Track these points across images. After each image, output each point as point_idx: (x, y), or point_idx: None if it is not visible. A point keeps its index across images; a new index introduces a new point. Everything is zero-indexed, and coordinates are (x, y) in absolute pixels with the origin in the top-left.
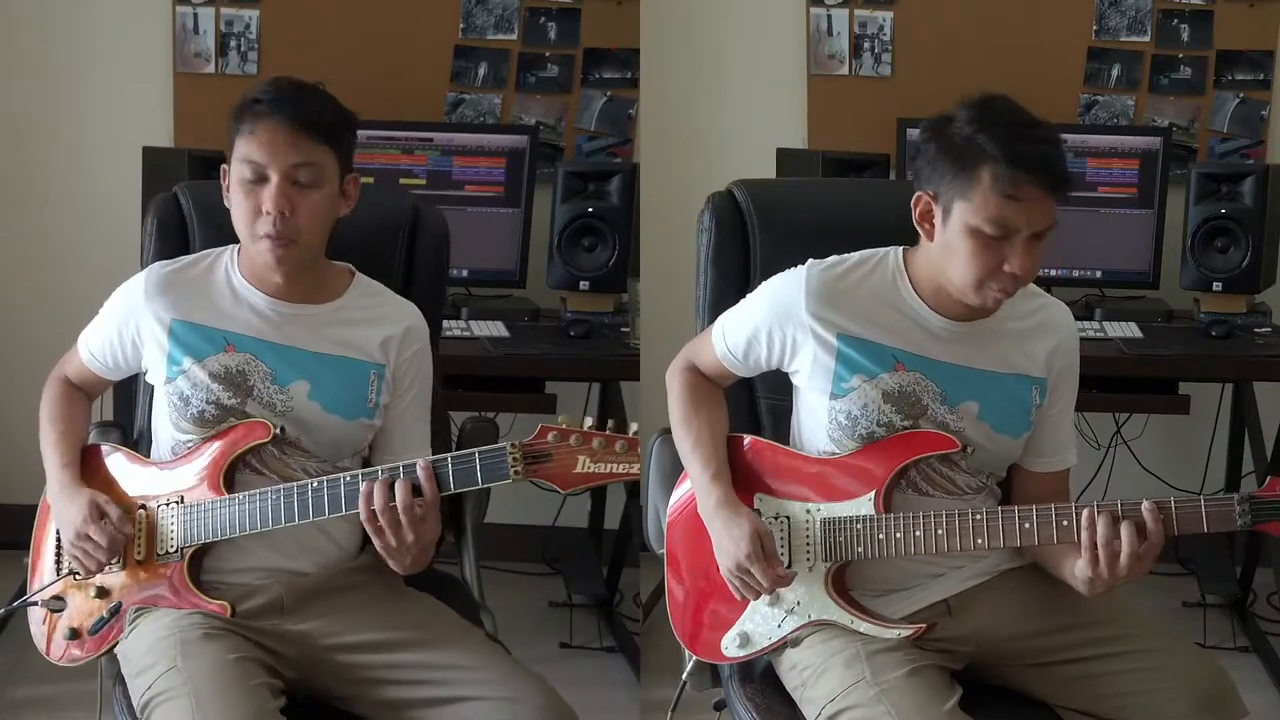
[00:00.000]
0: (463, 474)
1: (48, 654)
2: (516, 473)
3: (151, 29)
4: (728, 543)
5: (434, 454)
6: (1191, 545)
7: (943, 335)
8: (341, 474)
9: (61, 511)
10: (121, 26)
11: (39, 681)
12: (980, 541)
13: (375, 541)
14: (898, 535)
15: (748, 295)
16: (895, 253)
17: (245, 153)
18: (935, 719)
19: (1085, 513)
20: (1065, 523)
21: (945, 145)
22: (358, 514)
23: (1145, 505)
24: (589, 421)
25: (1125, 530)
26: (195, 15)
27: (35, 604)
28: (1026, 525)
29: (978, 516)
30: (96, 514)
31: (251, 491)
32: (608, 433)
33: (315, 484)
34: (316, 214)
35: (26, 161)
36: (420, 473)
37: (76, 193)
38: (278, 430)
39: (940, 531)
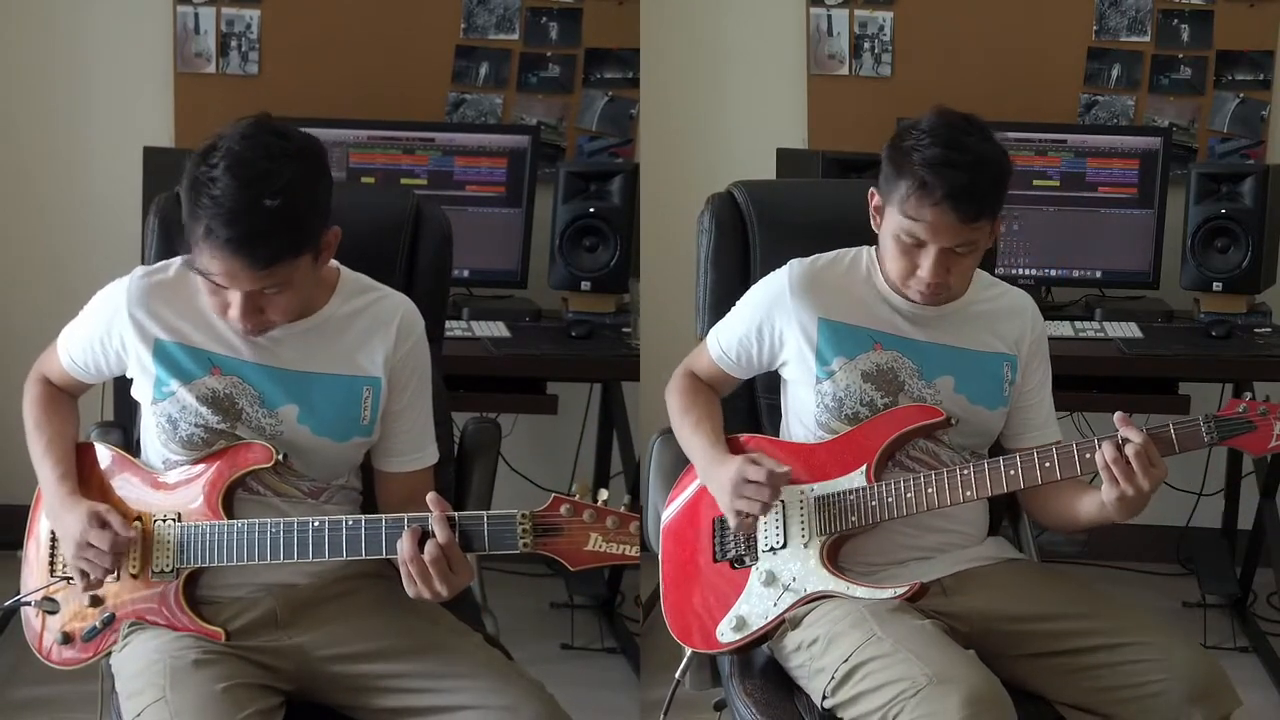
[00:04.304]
0: (469, 536)
1: (39, 652)
2: (525, 545)
3: (152, 29)
4: (724, 478)
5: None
6: (1191, 545)
7: (916, 318)
8: (345, 517)
9: (61, 524)
10: (122, 27)
11: (39, 683)
12: (969, 494)
13: (408, 589)
14: (889, 499)
15: (738, 302)
16: (867, 249)
17: (204, 266)
18: (957, 658)
19: (1099, 452)
20: (1048, 463)
21: (892, 150)
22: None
23: (1123, 429)
24: (604, 494)
25: (1130, 447)
26: (196, 15)
27: (29, 604)
28: (1012, 472)
29: (965, 471)
30: (98, 522)
31: (251, 521)
32: (623, 511)
33: (317, 523)
34: (290, 305)
35: (26, 161)
36: (435, 525)
37: (76, 193)
38: (279, 457)
39: (930, 490)
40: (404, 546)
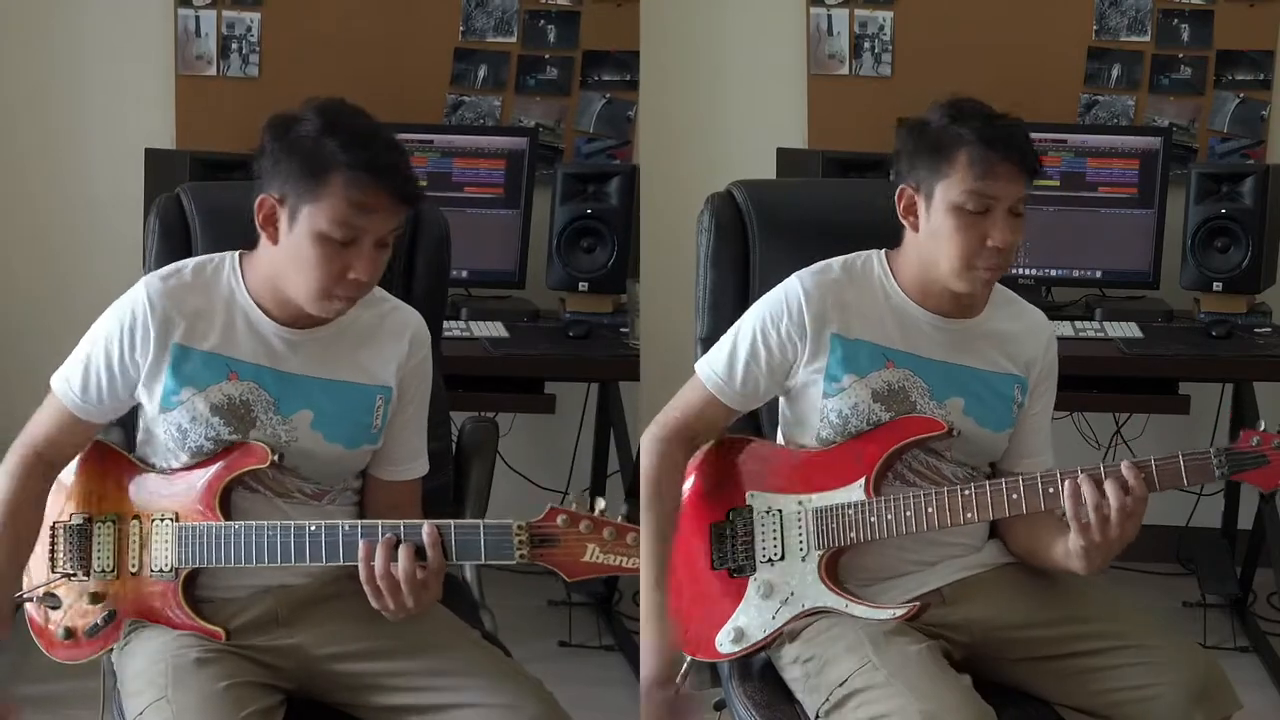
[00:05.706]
0: (465, 545)
1: (43, 647)
2: (522, 555)
3: (153, 31)
4: (650, 678)
5: (429, 459)
6: (1191, 545)
7: (931, 332)
8: (341, 522)
9: None
10: (123, 29)
11: (41, 680)
12: (970, 515)
13: (372, 601)
14: (889, 517)
15: (730, 328)
16: (878, 254)
17: (339, 214)
18: (953, 690)
19: (1068, 483)
20: (1051, 490)
21: (923, 139)
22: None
23: (1124, 464)
24: (600, 504)
25: (1110, 488)
26: (197, 18)
27: (30, 600)
28: (1014, 496)
29: (966, 492)
30: None
31: (249, 523)
32: (620, 522)
33: (314, 527)
34: (385, 266)
35: (27, 163)
36: (425, 538)
37: (77, 194)
38: (275, 458)
39: (930, 509)
40: (378, 561)
